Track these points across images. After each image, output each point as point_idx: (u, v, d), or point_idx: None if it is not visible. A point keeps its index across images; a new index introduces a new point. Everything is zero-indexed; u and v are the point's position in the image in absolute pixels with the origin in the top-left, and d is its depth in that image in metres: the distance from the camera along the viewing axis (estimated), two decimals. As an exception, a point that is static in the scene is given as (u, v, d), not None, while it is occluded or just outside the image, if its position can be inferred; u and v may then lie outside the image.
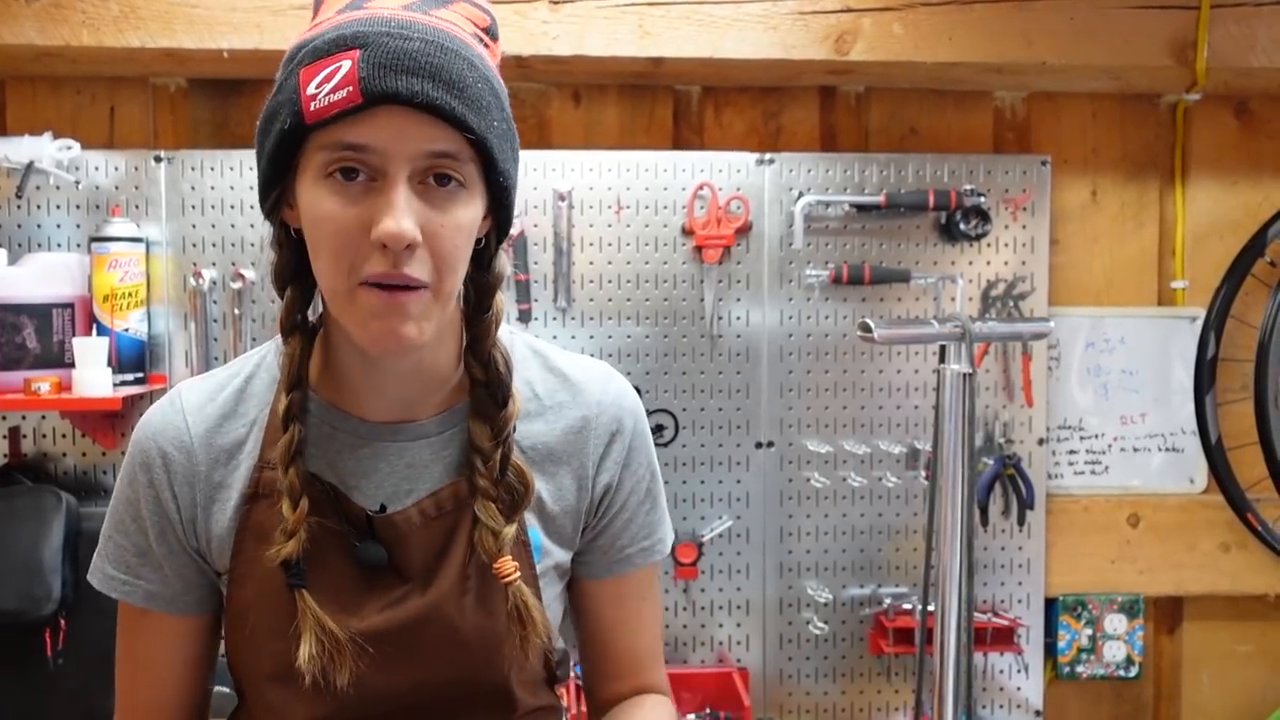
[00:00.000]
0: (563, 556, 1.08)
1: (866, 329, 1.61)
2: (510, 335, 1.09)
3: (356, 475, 1.01)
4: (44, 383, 1.93)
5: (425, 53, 0.86)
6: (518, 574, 0.97)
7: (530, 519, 1.04)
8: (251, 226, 2.14)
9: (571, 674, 2.03)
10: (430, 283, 0.89)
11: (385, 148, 0.86)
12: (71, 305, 2.03)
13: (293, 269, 0.98)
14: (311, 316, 1.02)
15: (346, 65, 0.85)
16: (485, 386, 1.00)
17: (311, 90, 0.85)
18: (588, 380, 1.09)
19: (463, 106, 0.87)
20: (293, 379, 0.97)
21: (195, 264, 2.13)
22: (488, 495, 0.98)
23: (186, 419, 1.02)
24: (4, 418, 2.13)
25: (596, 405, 1.08)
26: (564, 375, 1.09)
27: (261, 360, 1.06)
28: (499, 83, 0.94)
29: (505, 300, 1.03)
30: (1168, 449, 2.37)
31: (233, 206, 2.13)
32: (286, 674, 0.97)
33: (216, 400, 1.03)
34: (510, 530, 0.98)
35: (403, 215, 0.86)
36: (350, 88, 0.84)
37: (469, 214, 0.91)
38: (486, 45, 0.96)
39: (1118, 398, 2.36)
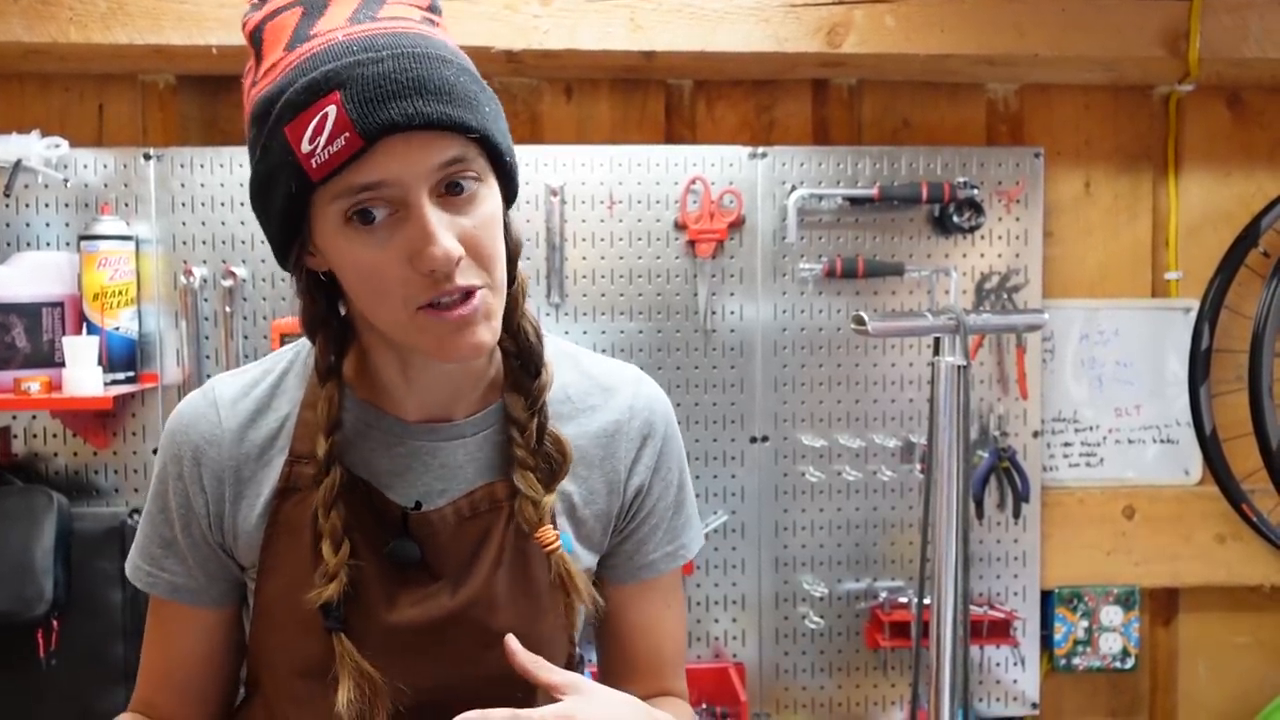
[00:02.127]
0: (591, 560, 1.08)
1: (860, 322, 1.61)
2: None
3: (390, 474, 1.00)
4: (34, 382, 1.92)
5: (402, 69, 0.84)
6: (559, 542, 0.97)
7: (562, 523, 1.04)
8: (242, 224, 2.13)
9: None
10: (484, 282, 0.89)
11: (399, 178, 0.84)
12: (61, 304, 2.02)
13: (324, 314, 0.98)
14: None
15: (333, 111, 0.82)
16: (517, 358, 1.00)
17: (306, 148, 0.83)
18: (620, 383, 1.09)
19: (458, 110, 0.85)
20: (331, 425, 0.96)
21: (186, 262, 2.12)
22: (525, 465, 0.98)
23: (220, 413, 1.01)
24: (-6, 418, 2.12)
25: (629, 409, 1.07)
26: (595, 378, 1.08)
27: (296, 356, 1.05)
28: (468, 61, 0.92)
29: (525, 271, 1.02)
30: (1162, 440, 2.37)
31: (223, 204, 2.12)
32: (315, 668, 0.97)
33: (250, 395, 1.03)
34: (550, 499, 0.98)
35: (442, 237, 0.85)
36: (347, 134, 0.82)
37: (492, 205, 0.91)
38: (436, 24, 0.93)
39: (1112, 390, 2.36)
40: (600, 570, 1.12)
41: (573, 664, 1.10)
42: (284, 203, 0.87)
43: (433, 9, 0.94)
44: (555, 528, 0.99)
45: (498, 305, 0.92)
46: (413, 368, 0.98)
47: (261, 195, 0.90)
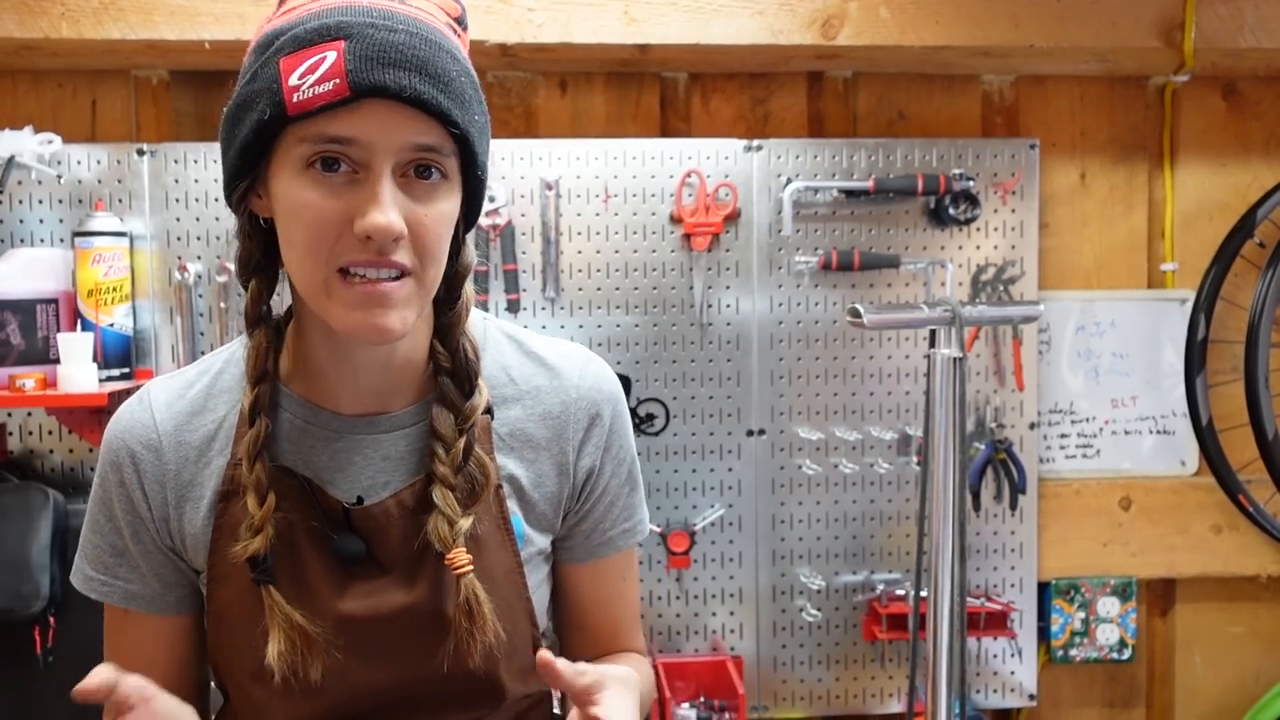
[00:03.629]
0: (544, 542, 1.08)
1: (856, 314, 1.60)
2: (483, 321, 1.09)
3: (331, 469, 1.00)
4: (29, 379, 1.91)
5: (411, 45, 0.85)
6: (470, 567, 0.96)
7: (512, 506, 1.04)
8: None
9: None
10: (414, 270, 0.89)
11: (371, 140, 0.85)
12: (55, 300, 2.02)
13: (259, 259, 0.97)
14: (279, 308, 1.01)
15: (332, 56, 0.83)
16: (452, 375, 0.99)
17: (294, 81, 0.84)
18: (565, 364, 1.08)
19: (448, 101, 0.86)
20: (258, 372, 0.96)
21: (180, 258, 2.12)
22: (447, 483, 0.97)
23: (155, 417, 1.01)
24: (-11, 415, 2.11)
25: (575, 390, 1.07)
26: (540, 359, 1.08)
27: (231, 356, 1.05)
28: (474, 73, 0.93)
29: (473, 289, 1.04)
30: (1159, 431, 2.37)
31: (217, 199, 2.11)
32: (269, 672, 0.96)
33: (185, 397, 1.02)
34: (466, 522, 0.97)
35: (389, 208, 0.85)
36: (337, 80, 0.83)
37: (450, 206, 0.91)
38: (458, 35, 0.95)
39: (1108, 381, 2.36)
40: (557, 551, 1.12)
41: (538, 647, 1.10)
42: (252, 131, 0.87)
43: (460, 22, 0.96)
44: (468, 550, 0.97)
45: (418, 302, 0.91)
46: (339, 345, 0.97)
47: (233, 120, 0.90)
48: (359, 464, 1.00)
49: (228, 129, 0.91)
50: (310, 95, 0.83)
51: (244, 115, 0.88)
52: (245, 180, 0.92)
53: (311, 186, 0.86)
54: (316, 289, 0.89)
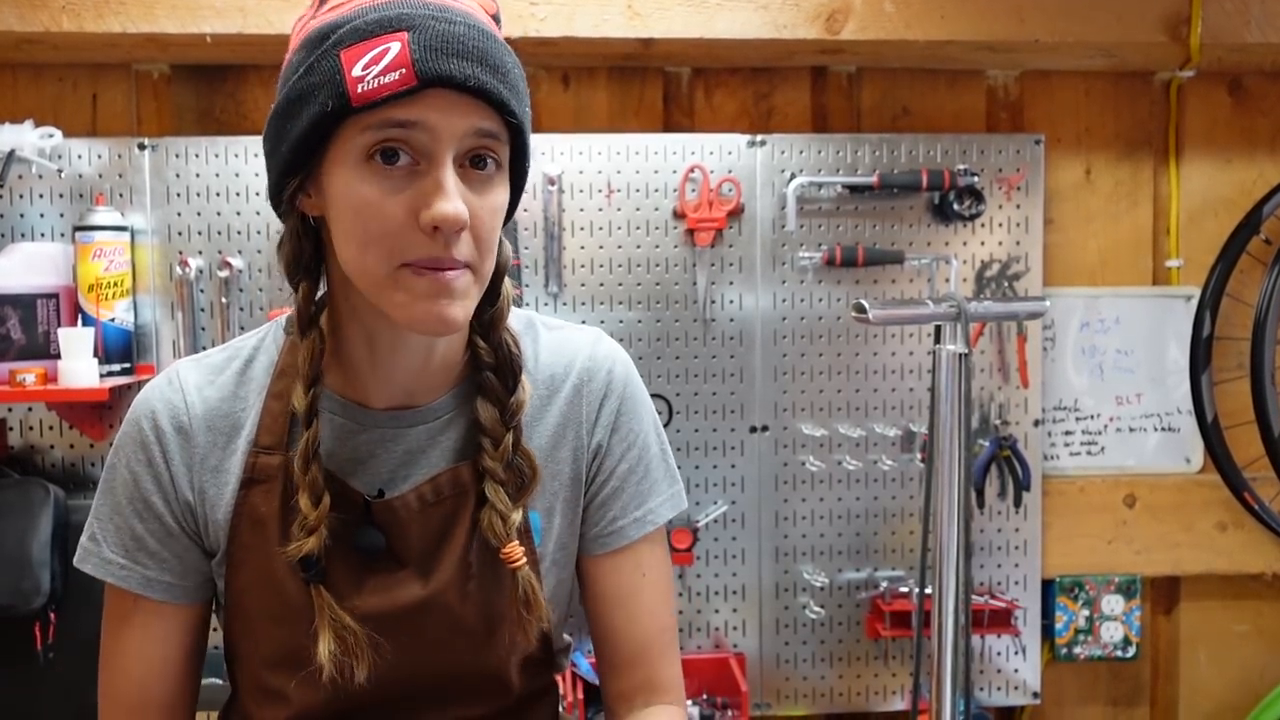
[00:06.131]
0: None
1: (861, 310, 1.59)
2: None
3: (354, 462, 0.99)
4: (29, 374, 1.91)
5: (471, 37, 0.86)
6: (525, 560, 0.97)
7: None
8: (238, 214, 2.12)
9: (568, 664, 2.02)
10: (473, 264, 0.89)
11: (435, 125, 0.85)
12: (56, 295, 2.01)
13: (309, 259, 0.96)
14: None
15: (396, 47, 0.83)
16: (495, 370, 1.00)
17: (358, 72, 0.84)
18: (576, 349, 1.08)
19: (507, 91, 0.88)
20: (312, 375, 0.95)
21: (181, 252, 2.11)
22: (496, 478, 0.97)
23: (187, 399, 1.00)
24: (-10, 410, 2.11)
25: (587, 372, 1.07)
26: (554, 348, 1.08)
27: (260, 343, 1.04)
28: (522, 70, 0.95)
29: (511, 285, 1.03)
30: (1164, 429, 2.36)
31: (218, 194, 2.11)
32: (285, 659, 0.97)
33: (216, 382, 1.02)
34: (517, 515, 0.97)
35: (455, 196, 0.85)
36: (403, 69, 0.83)
37: (501, 197, 0.92)
38: (498, 32, 0.95)
39: (1113, 378, 2.35)
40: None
41: (553, 645, 1.10)
42: (309, 125, 0.86)
43: (496, 20, 0.96)
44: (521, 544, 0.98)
45: (475, 293, 0.91)
46: (380, 347, 0.97)
47: (283, 116, 0.89)
48: (381, 457, 1.00)
49: (277, 126, 0.90)
50: (375, 85, 0.83)
51: (299, 110, 0.87)
52: (296, 178, 0.91)
53: (372, 180, 0.86)
54: (379, 284, 0.88)
